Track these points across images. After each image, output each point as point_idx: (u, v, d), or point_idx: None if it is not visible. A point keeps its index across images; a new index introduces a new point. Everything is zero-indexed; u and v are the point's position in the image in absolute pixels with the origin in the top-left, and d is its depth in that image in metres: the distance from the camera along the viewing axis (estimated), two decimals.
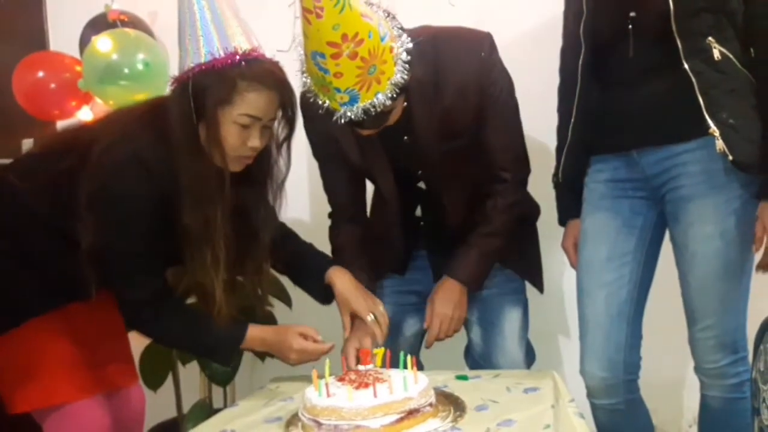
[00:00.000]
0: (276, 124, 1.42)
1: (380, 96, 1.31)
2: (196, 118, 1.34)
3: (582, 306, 1.57)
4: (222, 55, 1.32)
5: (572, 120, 1.56)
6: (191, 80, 1.33)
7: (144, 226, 1.36)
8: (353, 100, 1.31)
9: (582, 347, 1.57)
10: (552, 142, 1.68)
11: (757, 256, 1.41)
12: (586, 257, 1.58)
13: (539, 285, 1.75)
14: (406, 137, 1.51)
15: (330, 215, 1.69)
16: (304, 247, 1.64)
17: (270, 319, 2.09)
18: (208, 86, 1.32)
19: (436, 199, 1.61)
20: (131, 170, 1.34)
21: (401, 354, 1.29)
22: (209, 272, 1.38)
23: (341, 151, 1.56)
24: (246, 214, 1.46)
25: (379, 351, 1.34)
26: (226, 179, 1.36)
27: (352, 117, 1.32)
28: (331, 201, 1.67)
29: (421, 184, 1.62)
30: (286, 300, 2.08)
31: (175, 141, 1.34)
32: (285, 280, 2.11)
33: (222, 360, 1.57)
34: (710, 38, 1.37)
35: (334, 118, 1.34)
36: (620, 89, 1.47)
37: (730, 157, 1.34)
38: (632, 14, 1.43)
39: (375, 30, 1.28)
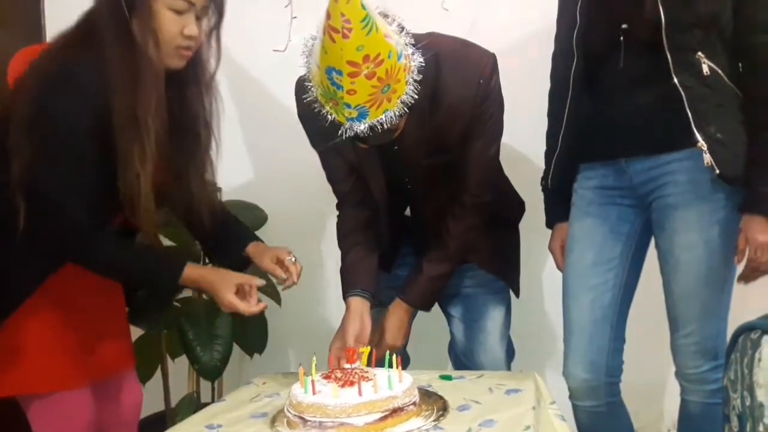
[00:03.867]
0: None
1: (389, 113, 1.31)
2: (128, 12, 1.29)
3: (567, 309, 1.60)
4: None
5: (563, 127, 1.58)
6: None
7: (82, 146, 1.30)
8: (362, 116, 1.30)
9: (566, 349, 1.59)
10: (540, 145, 1.71)
11: (739, 268, 1.44)
12: (573, 261, 1.60)
13: (516, 289, 1.78)
14: (396, 147, 1.51)
15: (337, 206, 1.71)
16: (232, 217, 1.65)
17: (260, 318, 2.11)
18: None
19: (422, 202, 1.64)
20: (62, 84, 1.28)
21: (386, 353, 1.31)
22: (136, 166, 1.31)
23: (336, 145, 1.54)
24: (181, 117, 1.43)
25: (366, 350, 1.36)
26: (160, 72, 1.33)
27: (358, 132, 1.31)
28: (335, 191, 1.68)
29: (409, 187, 1.64)
30: (276, 297, 2.10)
31: (107, 40, 1.29)
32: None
33: (163, 289, 1.51)
34: (700, 53, 1.39)
35: (339, 132, 1.32)
36: (610, 98, 1.49)
37: (717, 171, 1.37)
38: (624, 26, 1.45)
39: (394, 50, 1.27)
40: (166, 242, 2.07)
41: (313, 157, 1.65)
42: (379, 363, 1.32)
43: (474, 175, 1.56)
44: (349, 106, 1.28)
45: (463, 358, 1.73)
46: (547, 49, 1.68)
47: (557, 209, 1.68)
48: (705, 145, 1.37)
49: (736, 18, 1.40)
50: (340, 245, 1.67)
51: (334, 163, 1.63)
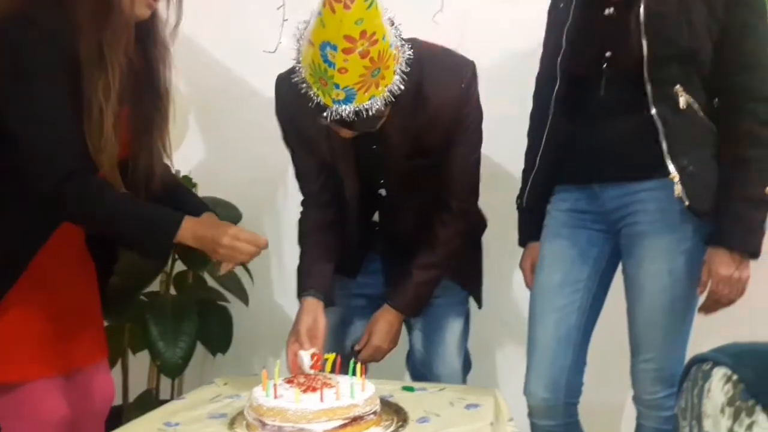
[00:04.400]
0: None
1: (375, 100, 1.31)
2: None
3: (532, 327, 1.62)
4: None
5: (541, 147, 1.61)
6: None
7: (52, 85, 1.28)
8: (348, 99, 1.29)
9: (528, 367, 1.61)
10: (516, 162, 1.73)
11: (702, 298, 1.47)
12: (542, 281, 1.62)
13: (479, 299, 1.80)
14: (374, 146, 1.53)
15: (302, 203, 1.71)
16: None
17: (225, 317, 2.10)
18: None
19: (393, 207, 1.64)
20: (22, 26, 1.26)
21: (351, 362, 1.32)
22: (99, 99, 1.29)
23: (312, 141, 1.57)
24: (144, 72, 1.42)
25: (330, 356, 1.36)
26: (130, 18, 1.33)
27: (343, 116, 1.30)
28: (303, 188, 1.69)
29: (382, 191, 1.65)
30: (243, 297, 2.09)
31: None
32: (244, 278, 2.13)
33: (160, 243, 1.39)
34: (678, 86, 1.42)
35: (324, 114, 1.31)
36: (589, 124, 1.52)
37: (687, 203, 1.40)
38: (608, 54, 1.48)
39: (388, 35, 1.28)
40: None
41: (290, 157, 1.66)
42: (344, 370, 1.32)
43: (459, 180, 1.59)
44: (337, 86, 1.28)
45: (421, 367, 1.74)
46: (532, 69, 1.70)
47: (530, 228, 1.71)
48: (677, 177, 1.40)
49: (716, 56, 1.44)
50: (300, 242, 1.68)
51: (305, 161, 1.63)
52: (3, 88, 1.28)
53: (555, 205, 1.63)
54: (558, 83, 1.56)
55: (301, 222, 1.70)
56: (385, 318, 1.63)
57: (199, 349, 2.00)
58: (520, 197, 1.71)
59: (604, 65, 1.48)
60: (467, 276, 1.77)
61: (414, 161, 1.55)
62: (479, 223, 1.80)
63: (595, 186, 1.53)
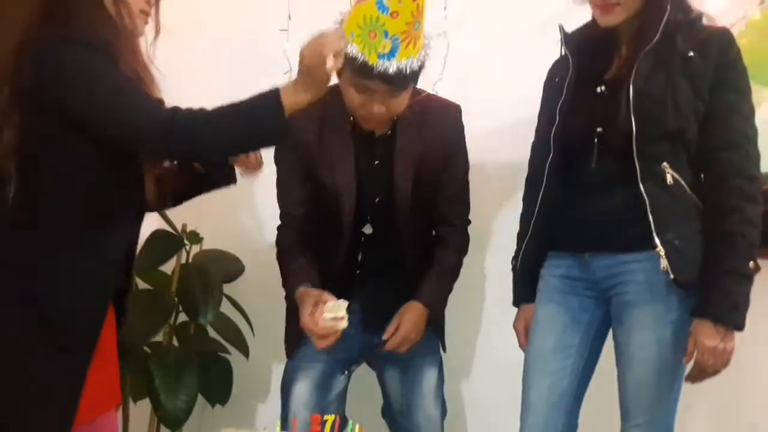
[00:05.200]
0: None
1: (412, 60, 1.51)
2: None
3: (526, 390, 1.66)
4: None
5: (534, 215, 1.67)
6: None
7: (111, 65, 1.33)
8: (393, 52, 1.48)
9: (521, 429, 1.65)
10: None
11: (688, 367, 1.52)
12: (536, 345, 1.67)
13: (443, 343, 1.87)
14: (377, 161, 1.69)
15: (282, 218, 1.78)
16: None
17: (226, 368, 2.13)
18: None
19: (382, 240, 1.74)
20: (62, 40, 1.31)
21: (350, 423, 1.36)
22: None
23: (310, 161, 1.68)
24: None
25: (330, 417, 1.40)
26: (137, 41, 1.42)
27: (390, 70, 1.48)
28: (285, 206, 1.76)
29: (367, 228, 1.74)
30: (244, 350, 2.13)
31: (82, 19, 1.34)
32: (245, 330, 2.17)
33: (281, 127, 1.34)
34: (665, 163, 1.49)
35: (373, 67, 1.49)
36: (581, 196, 1.58)
37: (672, 276, 1.46)
38: (599, 130, 1.55)
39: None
40: (142, 285, 2.11)
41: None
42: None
43: (458, 201, 1.81)
44: (387, 34, 1.47)
45: (401, 418, 1.80)
46: (527, 136, 1.78)
47: (524, 290, 1.76)
48: (663, 251, 1.46)
49: (702, 134, 1.50)
50: (282, 256, 1.74)
51: (291, 176, 1.72)
52: (75, 87, 1.31)
53: (548, 270, 1.69)
54: (552, 154, 1.63)
55: (281, 239, 1.76)
56: (413, 310, 1.71)
57: (199, 398, 2.04)
58: (515, 259, 1.78)
59: (596, 140, 1.55)
60: (438, 322, 1.84)
61: (416, 186, 1.69)
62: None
63: (586, 255, 1.59)
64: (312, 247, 1.73)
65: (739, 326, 1.45)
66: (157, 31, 1.51)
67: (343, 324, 1.48)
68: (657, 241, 1.47)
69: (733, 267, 1.44)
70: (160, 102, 1.40)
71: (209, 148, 1.39)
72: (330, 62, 1.29)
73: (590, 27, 1.65)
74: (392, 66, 1.49)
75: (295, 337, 1.71)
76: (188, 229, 2.09)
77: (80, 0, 1.38)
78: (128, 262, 1.47)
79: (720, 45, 1.52)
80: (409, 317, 1.70)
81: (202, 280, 1.97)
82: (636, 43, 1.53)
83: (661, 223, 1.47)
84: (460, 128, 1.80)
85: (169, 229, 2.07)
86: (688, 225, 1.50)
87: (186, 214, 2.08)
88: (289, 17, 2.15)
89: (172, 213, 2.10)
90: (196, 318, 1.93)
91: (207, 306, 1.90)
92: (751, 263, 1.45)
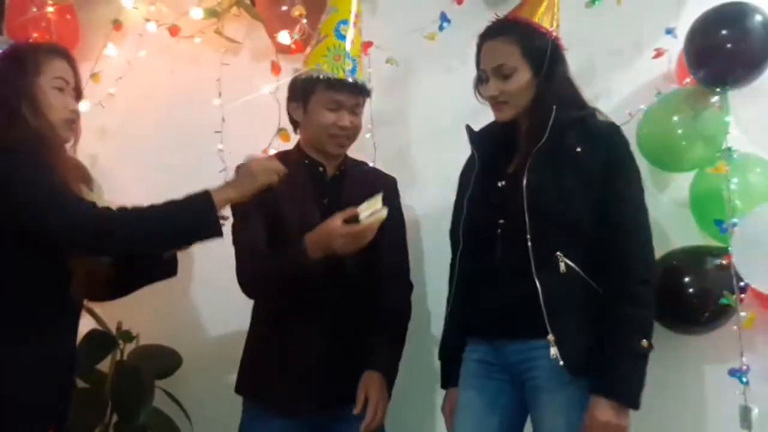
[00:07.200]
0: None
1: (363, 80, 1.84)
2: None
3: None
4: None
5: (449, 305, 1.75)
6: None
7: (41, 169, 1.43)
8: (354, 69, 1.80)
9: None
10: None
11: None
12: (457, 428, 1.71)
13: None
14: (326, 200, 1.83)
15: (242, 251, 1.79)
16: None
17: None
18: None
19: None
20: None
21: None
22: None
23: (270, 203, 1.75)
24: None
25: None
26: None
27: (356, 82, 1.80)
28: (247, 235, 1.78)
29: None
30: None
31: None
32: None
33: (212, 221, 1.47)
34: (559, 252, 1.56)
35: (343, 81, 1.78)
36: (489, 284, 1.65)
37: (561, 363, 1.51)
38: (501, 221, 1.64)
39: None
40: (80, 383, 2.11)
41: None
42: None
43: (398, 264, 1.90)
44: (348, 56, 1.80)
45: None
46: None
47: (449, 374, 1.80)
48: (553, 338, 1.53)
49: (597, 222, 1.57)
50: (263, 260, 1.75)
51: (254, 219, 1.77)
52: (10, 192, 1.41)
53: (468, 354, 1.74)
54: (461, 245, 1.72)
55: (252, 261, 1.76)
56: (373, 380, 1.74)
57: None
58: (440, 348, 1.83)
59: (499, 231, 1.64)
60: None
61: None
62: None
63: (497, 341, 1.65)
64: None
65: (633, 404, 1.50)
66: (76, 138, 1.64)
67: (384, 213, 1.62)
68: (549, 329, 1.53)
69: (628, 347, 1.50)
70: (91, 203, 1.48)
71: (143, 244, 1.49)
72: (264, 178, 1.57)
73: (496, 123, 1.77)
74: (357, 79, 1.80)
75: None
76: (123, 327, 2.12)
77: (5, 116, 1.50)
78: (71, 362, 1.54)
79: (608, 139, 1.63)
80: (375, 387, 1.73)
81: (134, 381, 1.98)
82: (528, 140, 1.65)
83: (553, 312, 1.53)
84: (397, 194, 1.95)
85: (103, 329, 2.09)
86: (581, 311, 1.56)
87: (122, 310, 2.13)
88: (223, 119, 2.29)
89: (110, 309, 2.15)
90: (129, 420, 1.93)
91: (139, 407, 1.91)
92: (644, 342, 1.51)
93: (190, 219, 1.47)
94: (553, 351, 1.52)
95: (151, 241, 1.49)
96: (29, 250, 1.46)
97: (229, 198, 1.56)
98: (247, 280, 1.76)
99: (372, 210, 1.62)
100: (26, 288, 1.48)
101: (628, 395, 1.49)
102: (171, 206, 1.47)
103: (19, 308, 1.47)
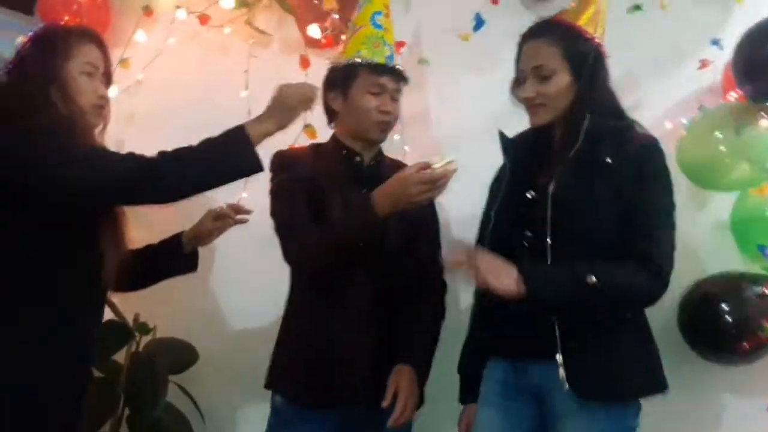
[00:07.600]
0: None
1: (400, 67, 1.86)
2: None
3: None
4: None
5: (472, 320, 1.69)
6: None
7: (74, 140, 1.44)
8: (392, 56, 1.85)
9: None
10: None
11: None
12: None
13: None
14: (365, 190, 1.73)
15: (284, 227, 1.74)
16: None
17: None
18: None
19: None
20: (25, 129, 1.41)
21: None
22: None
23: (312, 190, 1.76)
24: None
25: None
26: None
27: (396, 66, 1.84)
28: (292, 215, 1.75)
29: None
30: None
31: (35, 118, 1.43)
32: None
33: (250, 155, 1.45)
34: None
35: (384, 65, 1.81)
36: (514, 302, 1.55)
37: (566, 386, 1.44)
38: (528, 234, 1.58)
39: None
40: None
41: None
42: None
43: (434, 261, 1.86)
44: (386, 43, 1.85)
45: None
46: None
47: (468, 391, 1.75)
48: (561, 359, 1.46)
49: (620, 232, 1.49)
50: (321, 230, 1.70)
51: (299, 201, 1.74)
52: (47, 163, 1.39)
53: (488, 374, 1.68)
54: None
55: (305, 229, 1.72)
56: (404, 374, 1.71)
57: None
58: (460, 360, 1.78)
59: (525, 243, 1.57)
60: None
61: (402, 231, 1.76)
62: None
63: (519, 362, 1.59)
64: None
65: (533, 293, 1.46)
66: (105, 123, 1.63)
67: (456, 165, 1.57)
68: (559, 349, 1.46)
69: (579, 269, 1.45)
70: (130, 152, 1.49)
71: (189, 186, 1.47)
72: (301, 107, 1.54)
73: (530, 131, 1.70)
74: (396, 64, 1.85)
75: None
76: (141, 319, 2.10)
77: (35, 100, 1.47)
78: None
79: (643, 151, 1.54)
80: (405, 383, 1.69)
81: (149, 374, 1.96)
82: (561, 149, 1.58)
83: (565, 331, 1.47)
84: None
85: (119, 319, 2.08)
86: (603, 333, 1.49)
87: (140, 302, 2.11)
88: (249, 112, 2.23)
89: (128, 301, 2.13)
90: (142, 413, 1.91)
91: (152, 401, 1.89)
92: (593, 278, 1.42)
93: (228, 154, 1.46)
94: (561, 373, 1.45)
95: (195, 182, 1.47)
96: (66, 236, 1.46)
97: (268, 131, 1.51)
98: (296, 254, 1.71)
99: (444, 162, 1.57)
100: (59, 278, 1.47)
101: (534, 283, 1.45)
102: (207, 144, 1.46)
103: (48, 300, 1.45)
